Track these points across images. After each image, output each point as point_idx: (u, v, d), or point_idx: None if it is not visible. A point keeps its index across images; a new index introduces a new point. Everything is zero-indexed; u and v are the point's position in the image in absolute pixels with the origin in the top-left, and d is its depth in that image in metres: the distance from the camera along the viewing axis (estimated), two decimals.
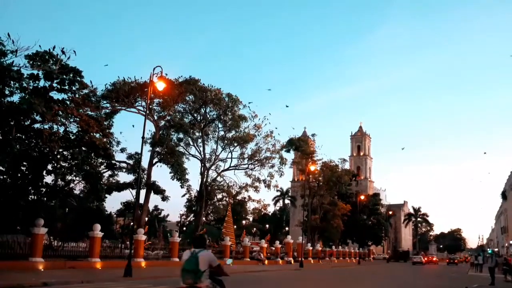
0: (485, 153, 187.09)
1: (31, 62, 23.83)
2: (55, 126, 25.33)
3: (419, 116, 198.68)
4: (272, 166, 44.00)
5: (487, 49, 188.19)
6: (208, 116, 41.64)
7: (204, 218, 49.44)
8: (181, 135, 40.92)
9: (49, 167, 25.69)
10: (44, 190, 25.87)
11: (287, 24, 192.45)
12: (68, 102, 25.24)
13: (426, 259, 70.16)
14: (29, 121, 24.00)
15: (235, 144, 42.60)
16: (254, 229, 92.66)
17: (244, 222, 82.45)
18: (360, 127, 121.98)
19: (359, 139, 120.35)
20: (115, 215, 56.56)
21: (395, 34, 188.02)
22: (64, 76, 25.01)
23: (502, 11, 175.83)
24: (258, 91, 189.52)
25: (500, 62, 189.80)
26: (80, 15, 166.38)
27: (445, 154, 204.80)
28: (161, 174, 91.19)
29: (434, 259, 76.11)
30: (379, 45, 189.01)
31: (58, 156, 26.03)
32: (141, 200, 34.66)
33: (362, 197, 71.51)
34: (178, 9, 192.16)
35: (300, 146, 55.74)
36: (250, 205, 49.30)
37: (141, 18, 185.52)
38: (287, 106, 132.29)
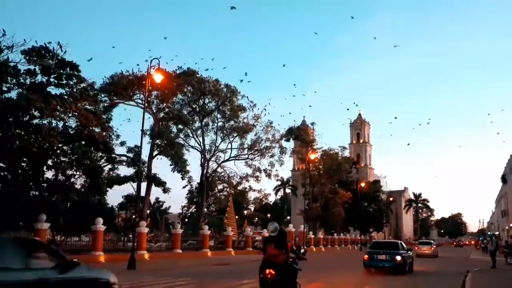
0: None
1: (27, 58, 23.79)
2: (54, 121, 25.39)
3: (419, 103, 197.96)
4: (272, 156, 44.21)
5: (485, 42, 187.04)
6: (206, 107, 41.61)
7: (205, 209, 49.67)
8: (180, 127, 40.89)
9: (49, 162, 25.78)
10: (45, 185, 25.95)
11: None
12: (66, 97, 25.23)
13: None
14: (28, 117, 23.99)
15: (235, 134, 42.65)
16: (256, 218, 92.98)
17: (245, 212, 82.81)
18: (360, 114, 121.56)
19: (358, 127, 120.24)
20: (117, 209, 56.52)
21: (395, 20, 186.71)
22: (61, 71, 24.99)
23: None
24: (255, 83, 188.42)
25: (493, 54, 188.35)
26: (74, 5, 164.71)
27: (443, 139, 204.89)
28: (161, 166, 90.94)
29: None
30: (378, 31, 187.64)
31: (58, 151, 26.07)
32: (142, 193, 34.76)
33: (363, 185, 71.54)
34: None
35: (300, 135, 55.63)
36: (251, 195, 49.68)
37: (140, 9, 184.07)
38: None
